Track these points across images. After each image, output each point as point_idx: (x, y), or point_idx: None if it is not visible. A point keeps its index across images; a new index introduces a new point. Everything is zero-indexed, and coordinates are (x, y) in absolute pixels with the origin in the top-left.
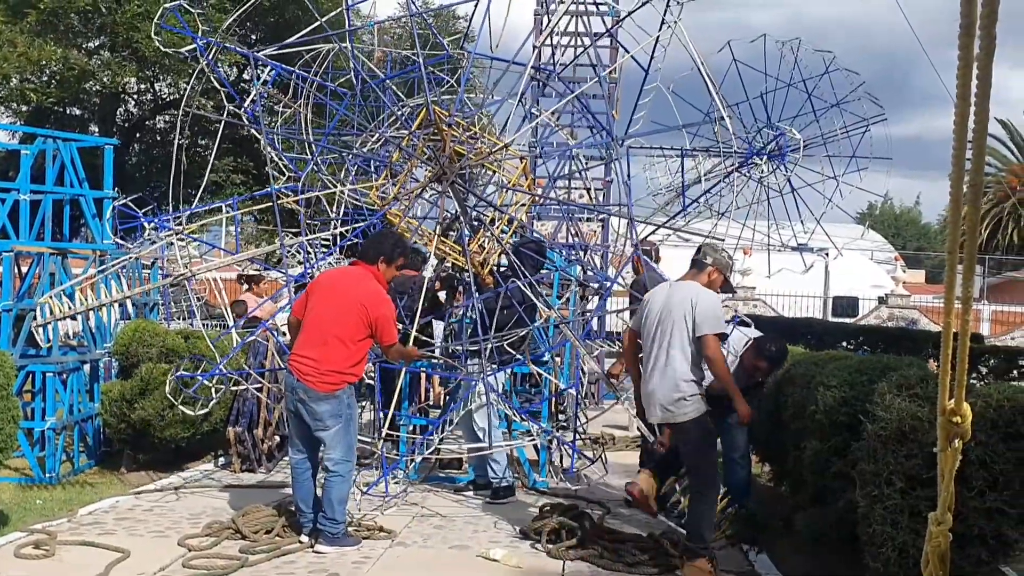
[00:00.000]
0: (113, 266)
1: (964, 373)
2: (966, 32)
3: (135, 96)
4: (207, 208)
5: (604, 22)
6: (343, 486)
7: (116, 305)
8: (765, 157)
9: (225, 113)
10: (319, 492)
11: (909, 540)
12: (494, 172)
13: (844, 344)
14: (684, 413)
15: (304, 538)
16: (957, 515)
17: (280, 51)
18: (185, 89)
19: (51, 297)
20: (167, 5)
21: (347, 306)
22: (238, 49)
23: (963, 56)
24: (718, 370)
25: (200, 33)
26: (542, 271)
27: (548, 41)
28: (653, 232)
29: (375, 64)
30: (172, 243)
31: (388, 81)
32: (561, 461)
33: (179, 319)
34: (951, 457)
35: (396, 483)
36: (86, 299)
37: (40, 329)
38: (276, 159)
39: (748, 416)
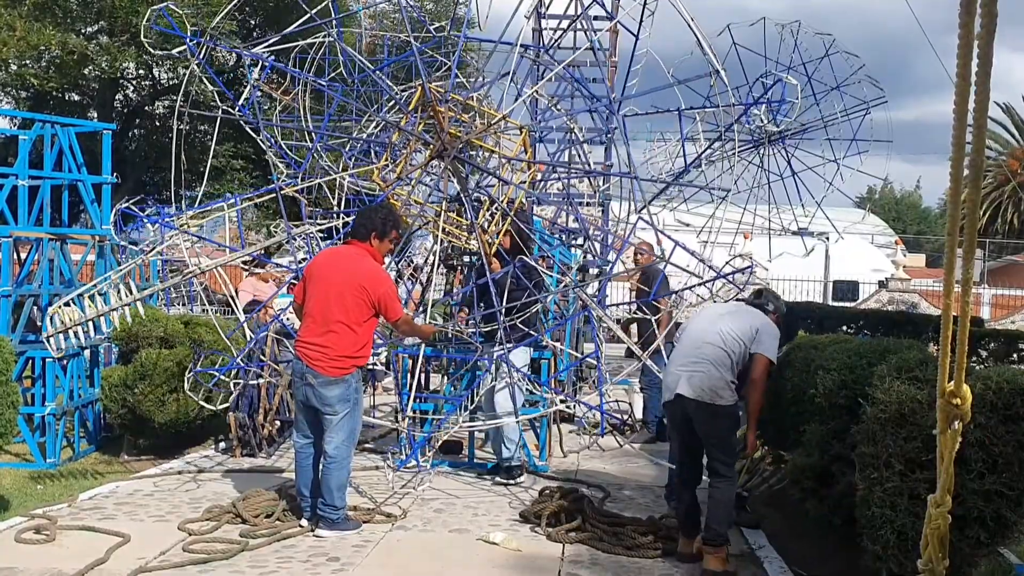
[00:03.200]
0: (127, 268)
1: (964, 355)
2: (966, 9)
3: (134, 82)
4: (208, 208)
5: (604, 5)
6: (341, 472)
7: (118, 296)
8: (764, 106)
9: (220, 110)
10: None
11: (908, 523)
12: (491, 151)
13: (844, 328)
14: (720, 399)
15: (304, 522)
16: (956, 497)
17: (272, 47)
18: (184, 75)
19: (60, 308)
20: (155, 7)
21: (346, 289)
22: (229, 48)
23: (963, 34)
24: (755, 393)
25: (191, 30)
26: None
27: (543, 24)
28: (655, 198)
29: (366, 49)
30: (177, 243)
31: (385, 67)
32: (561, 443)
33: (179, 305)
34: (951, 439)
35: (426, 460)
36: (95, 297)
37: (51, 340)
38: (273, 157)
39: (754, 448)
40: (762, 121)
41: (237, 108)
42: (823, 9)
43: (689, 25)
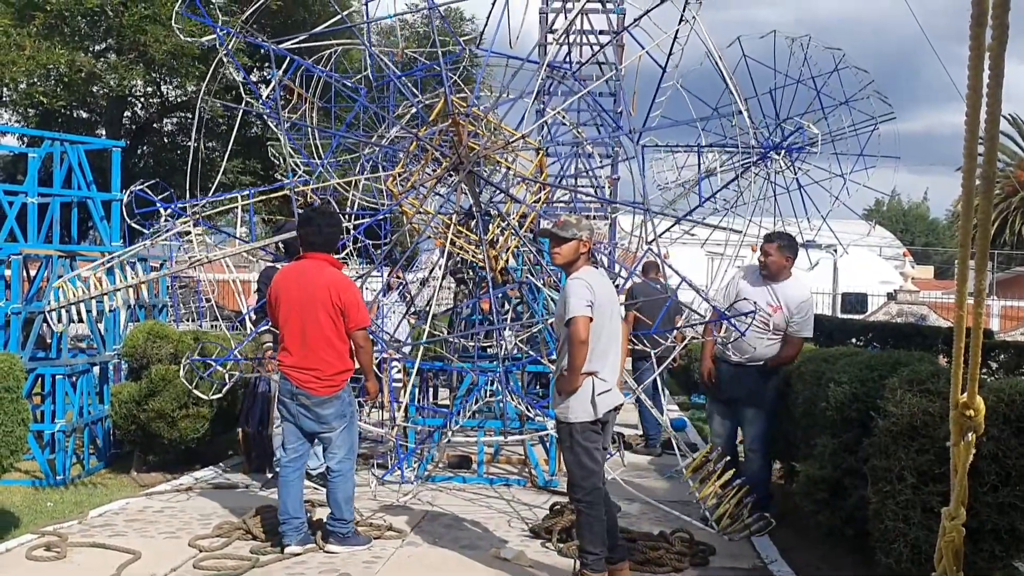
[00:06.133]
0: (128, 252)
1: (977, 367)
2: (977, 22)
3: (142, 99)
4: (223, 197)
5: (610, 20)
6: (347, 485)
7: (124, 308)
8: (783, 152)
9: (243, 104)
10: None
11: (921, 536)
12: (508, 168)
13: (854, 340)
14: None
15: (297, 547)
16: (969, 510)
17: (299, 45)
18: (192, 92)
19: (66, 281)
20: None
21: (317, 306)
22: (257, 41)
23: (974, 46)
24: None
25: (219, 24)
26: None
27: (564, 39)
28: (669, 229)
29: (396, 61)
30: (188, 232)
31: (403, 79)
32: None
33: (188, 320)
34: (964, 451)
35: (412, 471)
36: (100, 285)
37: (53, 314)
38: (291, 153)
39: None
40: (780, 166)
41: (261, 101)
42: (830, 21)
43: (716, 66)
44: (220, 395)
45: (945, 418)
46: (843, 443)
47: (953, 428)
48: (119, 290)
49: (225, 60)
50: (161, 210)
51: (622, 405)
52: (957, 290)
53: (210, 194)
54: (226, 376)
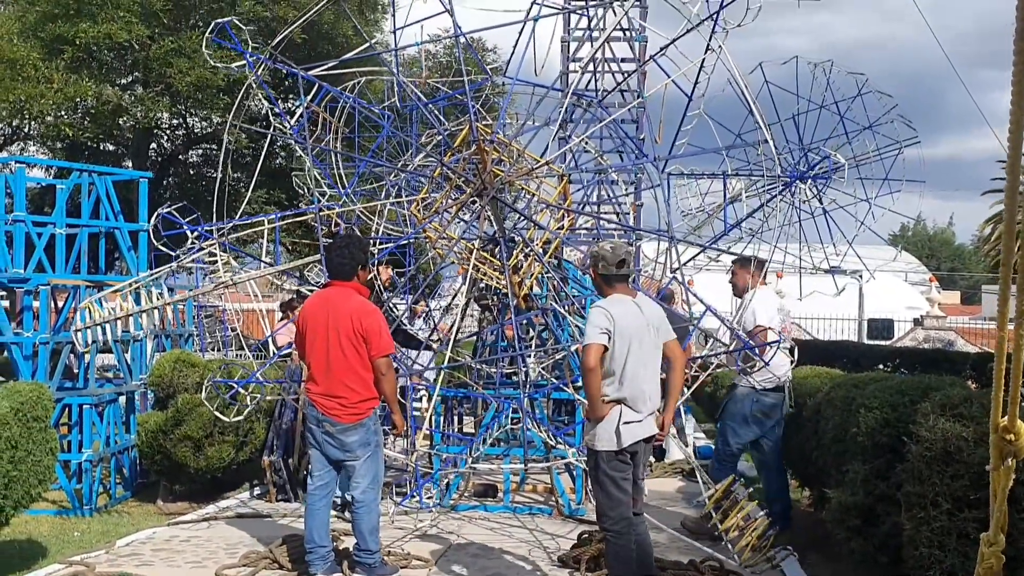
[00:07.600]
0: (154, 274)
1: (1017, 390)
2: (1021, 36)
3: (168, 131)
4: (248, 221)
5: (633, 48)
6: (371, 515)
7: (150, 337)
8: (809, 180)
9: (270, 129)
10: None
11: (957, 563)
12: (532, 194)
13: (881, 366)
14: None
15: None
16: (1008, 536)
17: (326, 72)
18: (217, 123)
19: (92, 302)
20: (219, 20)
21: (342, 335)
22: (286, 67)
23: (1018, 61)
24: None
25: (249, 50)
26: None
27: (590, 67)
28: (694, 258)
29: (421, 88)
30: (215, 256)
31: (428, 105)
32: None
33: (213, 350)
34: (1004, 476)
35: (430, 498)
36: (125, 305)
37: (79, 335)
38: (317, 180)
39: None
40: (806, 196)
41: (289, 127)
42: (851, 48)
43: (740, 93)
44: (241, 417)
45: (979, 443)
46: (875, 469)
47: (993, 452)
48: (145, 311)
49: (254, 85)
50: (188, 232)
51: (655, 437)
52: (999, 312)
53: (238, 214)
54: (248, 399)
